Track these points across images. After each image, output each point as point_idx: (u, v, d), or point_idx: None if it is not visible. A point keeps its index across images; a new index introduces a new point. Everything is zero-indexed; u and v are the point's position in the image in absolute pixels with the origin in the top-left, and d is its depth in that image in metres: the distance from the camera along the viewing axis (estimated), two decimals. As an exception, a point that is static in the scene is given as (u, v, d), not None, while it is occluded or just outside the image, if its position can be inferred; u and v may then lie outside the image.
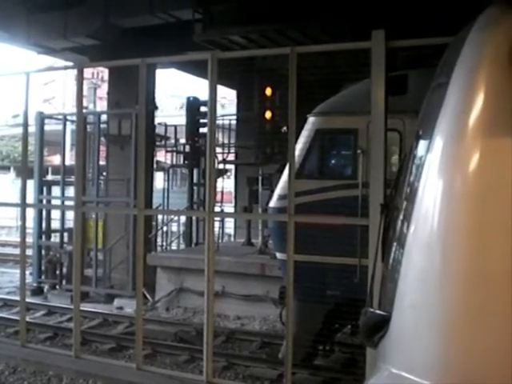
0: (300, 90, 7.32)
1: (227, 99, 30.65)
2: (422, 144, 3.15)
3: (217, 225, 16.02)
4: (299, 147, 8.91)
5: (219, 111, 14.25)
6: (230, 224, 21.65)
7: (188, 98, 18.39)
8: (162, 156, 23.14)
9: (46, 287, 16.54)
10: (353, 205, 8.35)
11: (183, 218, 19.64)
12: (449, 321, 2.65)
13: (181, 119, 21.43)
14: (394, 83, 7.09)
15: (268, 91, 13.83)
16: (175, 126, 20.19)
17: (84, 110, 17.13)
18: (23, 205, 9.84)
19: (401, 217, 3.20)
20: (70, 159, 20.58)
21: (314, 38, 12.28)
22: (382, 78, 6.83)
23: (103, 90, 25.05)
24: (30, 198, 14.50)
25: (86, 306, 12.84)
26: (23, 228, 9.75)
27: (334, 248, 8.09)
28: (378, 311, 3.17)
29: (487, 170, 2.66)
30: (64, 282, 15.90)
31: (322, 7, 11.46)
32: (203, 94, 18.25)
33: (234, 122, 19.74)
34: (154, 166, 18.29)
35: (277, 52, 9.05)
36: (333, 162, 9.80)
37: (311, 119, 9.23)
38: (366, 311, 3.29)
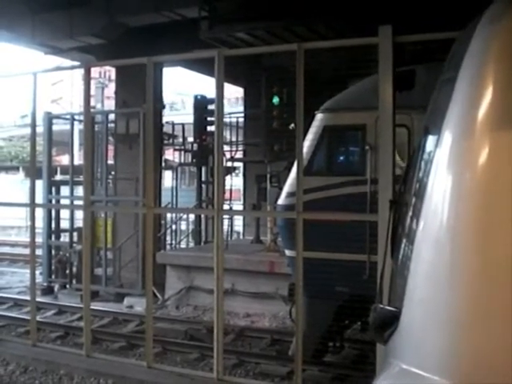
0: (307, 87, 7.31)
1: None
2: (431, 139, 3.14)
3: (226, 223, 16.06)
4: (307, 144, 8.90)
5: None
6: (238, 222, 21.66)
7: (195, 96, 18.39)
8: (170, 154, 23.17)
9: (56, 287, 16.58)
10: (361, 201, 8.33)
11: (192, 217, 19.66)
12: (458, 316, 2.64)
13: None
14: (402, 78, 7.07)
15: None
16: (183, 125, 20.21)
17: (92, 110, 17.18)
18: (32, 205, 9.88)
19: (410, 213, 3.19)
20: (78, 159, 20.69)
21: (321, 34, 12.26)
22: (389, 74, 6.82)
23: (111, 90, 25.06)
24: (39, 198, 14.55)
25: (96, 305, 12.87)
26: (33, 228, 9.78)
27: (343, 245, 8.08)
28: (387, 307, 3.17)
29: (496, 165, 2.64)
30: (74, 282, 15.96)
31: (327, 3, 11.44)
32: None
33: (241, 120, 19.74)
34: (163, 164, 18.30)
35: (284, 48, 9.01)
36: (341, 158, 9.78)
37: (319, 116, 9.21)
38: (375, 307, 3.28)
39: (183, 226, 20.99)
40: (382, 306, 3.26)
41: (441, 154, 2.83)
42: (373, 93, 7.15)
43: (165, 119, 18.20)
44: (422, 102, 4.13)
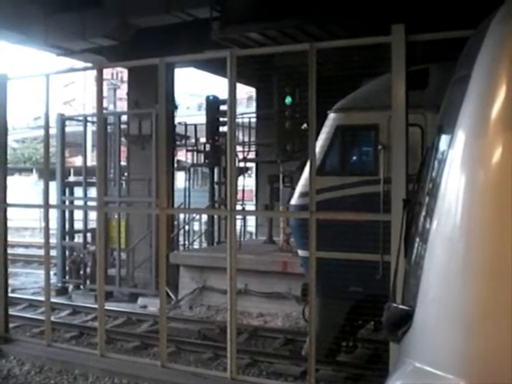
0: (320, 86, 7.31)
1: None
2: (444, 138, 3.14)
3: (238, 223, 16.06)
4: (320, 144, 8.89)
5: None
6: (251, 222, 21.67)
7: (207, 97, 18.40)
8: (182, 155, 23.21)
9: (70, 287, 16.69)
10: (375, 201, 8.32)
11: (205, 217, 19.68)
12: (472, 315, 2.64)
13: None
14: (415, 77, 7.05)
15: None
16: (195, 126, 20.23)
17: (104, 111, 17.25)
18: (46, 206, 9.94)
19: (423, 212, 3.19)
20: (91, 160, 20.77)
21: (333, 33, 12.23)
22: (402, 73, 6.80)
23: (123, 91, 25.16)
24: (53, 199, 14.61)
25: (110, 305, 12.93)
26: (47, 229, 9.83)
27: (356, 244, 8.05)
28: (401, 306, 3.17)
29: (509, 164, 2.63)
30: (88, 282, 16.01)
31: (339, 2, 11.42)
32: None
33: (253, 120, 19.71)
34: (175, 165, 18.33)
35: (296, 48, 9.01)
36: (354, 158, 9.76)
37: (331, 115, 9.20)
38: (389, 306, 3.28)
39: (196, 227, 21.01)
40: (395, 304, 3.26)
41: (454, 153, 2.83)
42: (385, 92, 7.14)
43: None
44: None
